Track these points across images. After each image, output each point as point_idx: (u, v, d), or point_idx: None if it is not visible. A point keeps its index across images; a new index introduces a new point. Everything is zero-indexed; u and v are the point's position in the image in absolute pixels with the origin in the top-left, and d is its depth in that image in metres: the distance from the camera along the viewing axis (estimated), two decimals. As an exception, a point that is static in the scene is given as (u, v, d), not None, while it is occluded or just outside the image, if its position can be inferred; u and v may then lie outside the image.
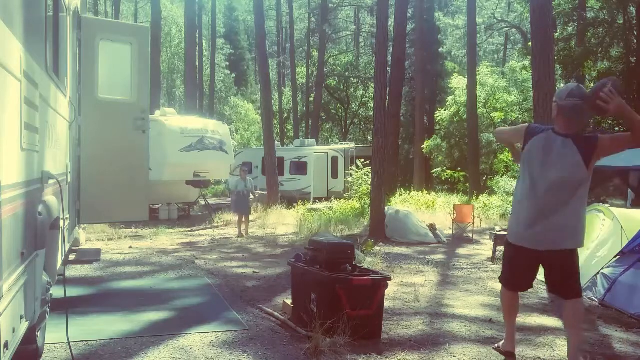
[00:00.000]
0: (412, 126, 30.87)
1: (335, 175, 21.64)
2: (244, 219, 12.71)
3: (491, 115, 25.46)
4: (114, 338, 4.49)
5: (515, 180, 19.43)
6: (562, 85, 18.90)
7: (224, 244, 11.12)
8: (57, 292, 4.03)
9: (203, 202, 18.56)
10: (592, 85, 19.78)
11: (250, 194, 13.11)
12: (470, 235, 12.28)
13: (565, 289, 3.86)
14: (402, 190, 22.45)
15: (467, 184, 23.95)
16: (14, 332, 2.61)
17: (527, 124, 4.05)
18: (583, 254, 6.48)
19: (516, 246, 3.96)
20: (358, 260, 6.49)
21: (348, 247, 5.07)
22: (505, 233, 10.09)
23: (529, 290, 6.87)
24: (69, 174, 4.98)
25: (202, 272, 7.66)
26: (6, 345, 2.43)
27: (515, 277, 4.09)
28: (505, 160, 24.75)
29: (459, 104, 25.41)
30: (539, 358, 4.31)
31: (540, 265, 3.99)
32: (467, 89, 22.89)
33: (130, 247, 10.02)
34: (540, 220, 3.76)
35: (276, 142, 21.73)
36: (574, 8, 19.51)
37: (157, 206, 15.98)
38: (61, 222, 3.87)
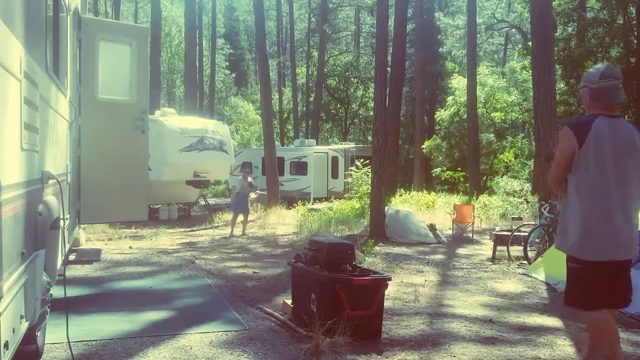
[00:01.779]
0: (412, 126, 30.88)
1: (335, 175, 21.64)
2: (241, 219, 12.72)
3: (491, 115, 25.47)
4: (114, 338, 4.49)
5: (515, 181, 19.19)
6: (562, 85, 18.92)
7: (224, 244, 11.13)
8: (57, 292, 4.03)
9: (203, 202, 18.57)
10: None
11: (252, 194, 13.14)
12: (470, 235, 12.29)
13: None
14: (402, 190, 22.45)
15: (467, 184, 23.96)
16: (14, 332, 2.61)
17: (565, 128, 3.35)
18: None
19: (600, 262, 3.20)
20: (358, 260, 6.49)
21: (348, 247, 5.07)
22: (505, 233, 10.06)
23: (529, 290, 6.91)
24: (69, 174, 4.98)
25: (202, 272, 7.66)
26: (6, 345, 2.43)
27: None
28: (505, 160, 24.79)
29: (459, 104, 25.42)
30: (539, 358, 4.31)
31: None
32: (467, 89, 22.90)
33: (130, 247, 10.02)
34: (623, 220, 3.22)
35: (276, 142, 21.73)
36: (574, 8, 19.51)
37: (157, 206, 15.98)
38: (61, 222, 3.87)
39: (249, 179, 13.15)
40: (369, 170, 15.37)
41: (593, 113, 3.34)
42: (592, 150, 3.20)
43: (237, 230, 12.63)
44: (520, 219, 12.21)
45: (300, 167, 21.45)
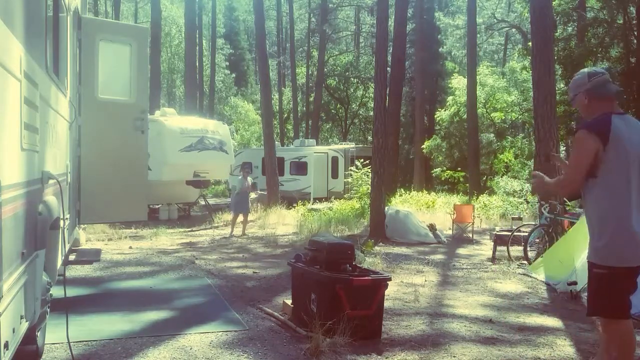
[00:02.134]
0: (412, 126, 30.88)
1: (335, 175, 21.64)
2: (242, 219, 12.72)
3: (491, 115, 25.47)
4: (114, 338, 4.49)
5: (515, 181, 19.16)
6: (562, 85, 18.90)
7: (224, 244, 11.12)
8: (57, 292, 4.03)
9: (203, 202, 18.57)
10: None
11: (252, 193, 13.15)
12: (470, 235, 12.28)
13: None
14: (402, 190, 22.45)
15: (467, 184, 23.96)
16: (14, 332, 2.61)
17: (583, 131, 3.17)
18: (583, 254, 6.49)
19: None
20: (358, 260, 6.49)
21: (348, 247, 5.07)
22: (505, 233, 10.06)
23: (529, 290, 6.90)
24: (69, 174, 4.99)
25: (202, 272, 7.66)
26: (6, 345, 2.43)
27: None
28: (505, 160, 24.77)
29: (459, 104, 25.42)
30: (539, 358, 4.31)
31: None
32: (467, 89, 22.89)
33: (130, 247, 10.02)
34: None
35: (276, 142, 21.73)
36: (574, 8, 19.50)
37: (157, 206, 15.98)
38: (61, 222, 3.87)
39: (249, 179, 13.14)
40: (369, 170, 15.37)
41: (604, 112, 3.19)
42: (614, 150, 3.07)
43: (237, 230, 12.63)
44: (520, 219, 12.22)
45: (300, 167, 21.45)
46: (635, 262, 3.05)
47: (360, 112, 38.92)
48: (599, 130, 3.09)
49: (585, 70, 3.41)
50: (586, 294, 6.19)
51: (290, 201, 19.06)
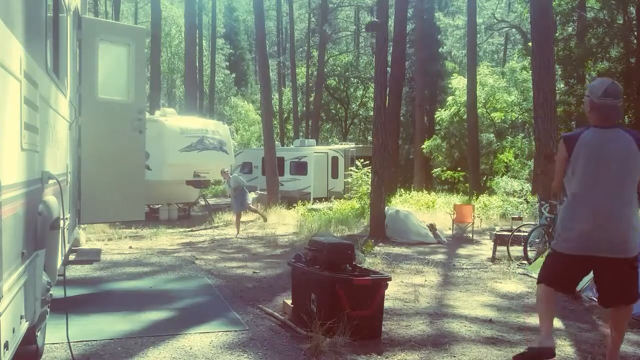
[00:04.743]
0: (412, 126, 30.87)
1: (335, 175, 21.65)
2: (242, 219, 12.76)
3: (491, 115, 25.47)
4: (114, 338, 4.49)
5: (515, 181, 19.24)
6: (562, 85, 18.91)
7: (223, 244, 11.12)
8: (57, 292, 4.03)
9: (203, 202, 18.57)
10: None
11: (252, 194, 13.22)
12: (470, 235, 12.29)
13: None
14: (402, 190, 22.45)
15: (467, 184, 23.96)
16: (14, 332, 2.61)
17: (561, 139, 3.88)
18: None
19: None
20: (358, 260, 6.49)
21: (348, 247, 5.07)
22: (505, 233, 10.08)
23: (529, 290, 6.90)
24: (69, 174, 4.99)
25: (202, 272, 7.66)
26: (6, 345, 2.43)
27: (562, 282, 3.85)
28: (505, 160, 24.78)
29: (459, 104, 25.42)
30: (539, 358, 4.31)
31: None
32: (467, 89, 22.90)
33: (130, 248, 10.02)
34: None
35: (276, 142, 21.74)
36: (574, 8, 19.51)
37: (157, 206, 15.99)
38: (61, 222, 3.87)
39: (233, 175, 13.11)
40: (369, 170, 15.36)
41: (588, 125, 3.73)
42: (578, 159, 3.63)
43: (234, 231, 12.65)
44: (520, 219, 12.21)
45: (300, 167, 21.45)
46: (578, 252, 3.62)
47: (360, 112, 38.91)
48: (568, 141, 3.72)
49: (607, 83, 3.72)
50: (586, 294, 6.21)
51: (290, 201, 19.06)
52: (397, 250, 10.39)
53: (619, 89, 3.71)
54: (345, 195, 19.51)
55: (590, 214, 3.56)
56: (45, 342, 4.07)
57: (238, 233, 12.45)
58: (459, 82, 25.82)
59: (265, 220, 13.10)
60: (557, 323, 5.35)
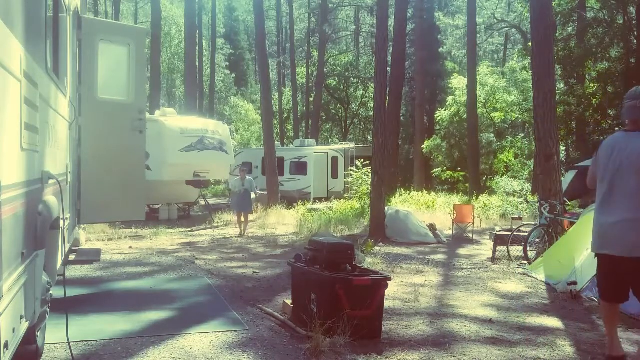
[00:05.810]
0: (412, 126, 30.87)
1: (335, 175, 21.65)
2: (243, 218, 12.72)
3: (491, 115, 25.46)
4: (114, 338, 4.49)
5: (514, 180, 19.24)
6: (562, 85, 18.91)
7: (224, 244, 11.12)
8: (57, 292, 4.03)
9: (203, 202, 18.57)
10: (592, 85, 19.59)
11: (252, 193, 13.15)
12: (470, 235, 12.29)
13: None
14: (402, 190, 22.45)
15: (467, 184, 23.95)
16: (14, 332, 2.61)
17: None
18: (583, 254, 6.49)
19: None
20: (358, 260, 6.49)
21: (348, 247, 5.07)
22: (505, 233, 10.08)
23: (529, 290, 6.90)
24: (69, 174, 4.99)
25: (202, 272, 7.66)
26: (6, 345, 2.43)
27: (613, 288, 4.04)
28: (505, 160, 24.78)
29: (459, 104, 25.41)
30: (539, 358, 4.31)
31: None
32: (467, 89, 22.89)
33: (130, 248, 10.02)
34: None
35: (276, 142, 21.74)
36: (574, 8, 19.50)
37: (157, 206, 15.99)
38: (61, 222, 3.87)
39: (248, 178, 13.02)
40: (369, 170, 15.36)
41: (620, 131, 4.04)
42: (598, 163, 3.97)
43: (236, 231, 12.64)
44: (520, 219, 12.21)
45: (300, 167, 21.45)
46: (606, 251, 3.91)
47: (360, 112, 38.91)
48: (597, 146, 4.09)
49: (637, 88, 4.03)
50: (586, 294, 6.21)
51: (290, 201, 19.06)
52: (397, 250, 10.39)
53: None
54: (345, 195, 19.52)
55: None
56: (45, 342, 4.07)
57: (241, 232, 12.42)
58: (459, 82, 25.82)
59: (241, 234, 12.45)
60: (557, 323, 5.36)
